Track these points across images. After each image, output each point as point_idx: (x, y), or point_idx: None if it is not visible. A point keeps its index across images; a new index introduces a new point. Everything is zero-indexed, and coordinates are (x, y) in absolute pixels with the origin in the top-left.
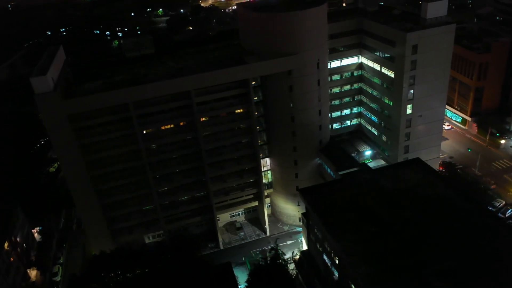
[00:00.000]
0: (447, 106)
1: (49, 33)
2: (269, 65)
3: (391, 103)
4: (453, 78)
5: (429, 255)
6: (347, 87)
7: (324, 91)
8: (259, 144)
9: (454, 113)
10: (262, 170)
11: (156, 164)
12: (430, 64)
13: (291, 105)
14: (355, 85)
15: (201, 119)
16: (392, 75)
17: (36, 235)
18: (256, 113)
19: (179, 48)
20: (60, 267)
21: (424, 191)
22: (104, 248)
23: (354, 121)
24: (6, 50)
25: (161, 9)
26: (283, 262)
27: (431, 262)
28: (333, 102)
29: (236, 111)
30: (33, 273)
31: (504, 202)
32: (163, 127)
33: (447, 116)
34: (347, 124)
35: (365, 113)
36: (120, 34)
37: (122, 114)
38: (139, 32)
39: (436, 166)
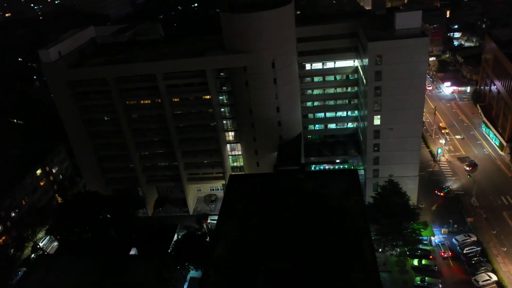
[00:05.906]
0: (490, 126)
1: (180, 8)
2: (217, 60)
3: (366, 112)
4: (502, 96)
5: (278, 254)
6: (343, 89)
7: (284, 90)
8: (232, 129)
9: (495, 135)
10: (236, 153)
11: (137, 131)
12: (400, 77)
13: (249, 98)
14: (355, 89)
15: (174, 100)
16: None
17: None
18: (226, 101)
19: (188, 36)
20: None
21: (332, 200)
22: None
23: (354, 124)
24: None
25: None
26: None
27: (275, 261)
28: (326, 102)
29: (204, 97)
30: (59, 198)
31: (475, 239)
32: (142, 102)
33: (489, 136)
34: (343, 126)
35: (359, 118)
36: None
37: (107, 86)
38: None
39: (415, 183)
